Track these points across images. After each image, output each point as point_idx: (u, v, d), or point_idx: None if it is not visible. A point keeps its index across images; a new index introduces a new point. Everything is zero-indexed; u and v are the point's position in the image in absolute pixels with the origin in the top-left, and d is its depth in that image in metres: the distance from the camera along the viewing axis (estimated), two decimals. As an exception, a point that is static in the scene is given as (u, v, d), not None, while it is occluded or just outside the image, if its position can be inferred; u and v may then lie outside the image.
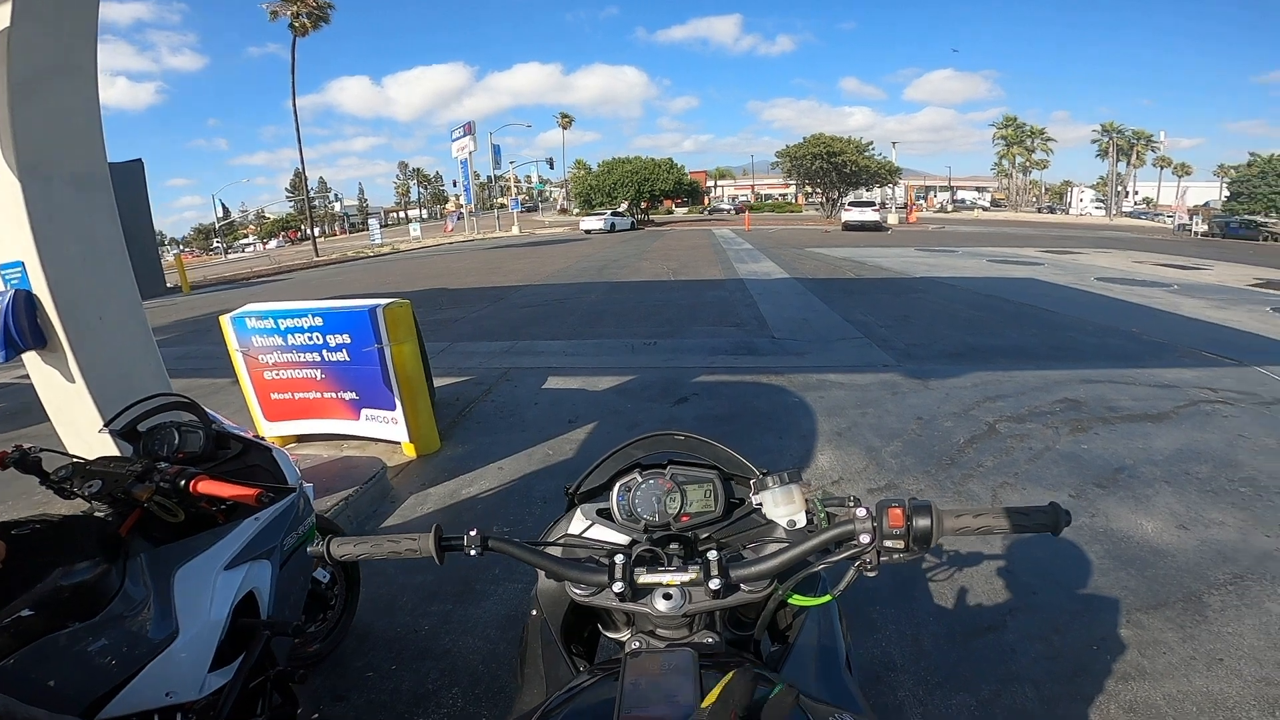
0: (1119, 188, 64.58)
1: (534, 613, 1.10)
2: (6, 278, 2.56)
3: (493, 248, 28.15)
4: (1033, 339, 7.18)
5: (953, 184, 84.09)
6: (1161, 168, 69.67)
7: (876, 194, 44.15)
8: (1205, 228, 34.69)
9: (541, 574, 1.10)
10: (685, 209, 62.08)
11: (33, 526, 1.41)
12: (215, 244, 57.35)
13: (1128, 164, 66.10)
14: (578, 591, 0.89)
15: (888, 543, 0.77)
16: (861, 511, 0.79)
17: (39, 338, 2.56)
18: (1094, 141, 66.83)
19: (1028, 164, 69.36)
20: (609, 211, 40.15)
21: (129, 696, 1.30)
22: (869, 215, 30.47)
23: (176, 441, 1.79)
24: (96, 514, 1.53)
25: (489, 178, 57.02)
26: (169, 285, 18.90)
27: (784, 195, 74.70)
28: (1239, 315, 8.70)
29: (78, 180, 2.56)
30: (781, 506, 0.99)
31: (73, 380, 2.60)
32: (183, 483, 1.49)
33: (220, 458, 1.81)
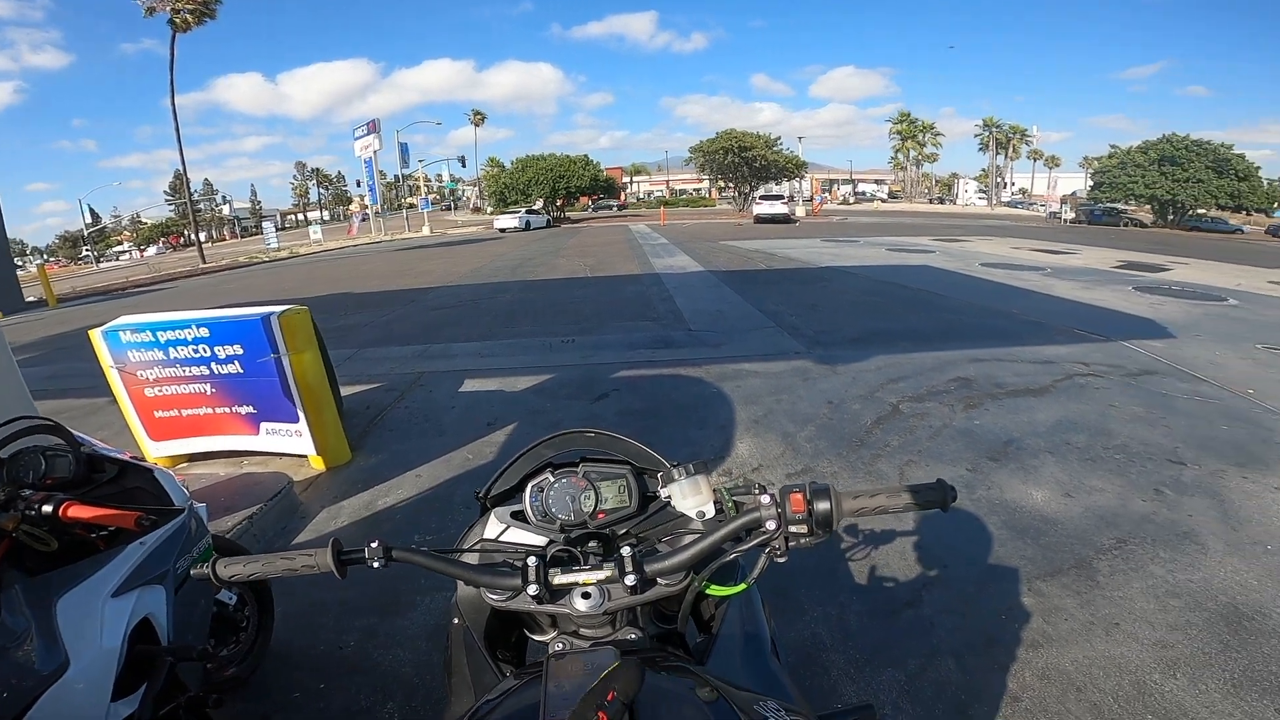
0: (998, 179, 70.40)
1: (455, 620, 1.08)
2: None
3: (402, 249, 27.03)
4: (927, 322, 7.69)
5: (854, 177, 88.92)
6: (1035, 160, 76.59)
7: (785, 187, 45.78)
8: (1073, 215, 38.48)
9: (459, 581, 1.08)
10: (607, 208, 62.01)
11: None
12: (85, 252, 51.89)
13: (1005, 157, 72.10)
14: (493, 597, 0.87)
15: (792, 528, 0.78)
16: (765, 498, 0.81)
17: None
18: (976, 135, 72.45)
19: (920, 157, 74.31)
20: (524, 209, 39.50)
21: None
22: (778, 208, 31.70)
23: (44, 467, 1.63)
24: None
25: (396, 177, 54.72)
26: (30, 299, 17.01)
27: (698, 190, 76.24)
28: (1105, 295, 9.70)
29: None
30: (690, 498, 0.99)
31: (-95, 408, 2.28)
32: (50, 509, 1.39)
33: (95, 481, 1.68)
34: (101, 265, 44.51)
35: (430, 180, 67.99)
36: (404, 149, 47.54)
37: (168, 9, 31.29)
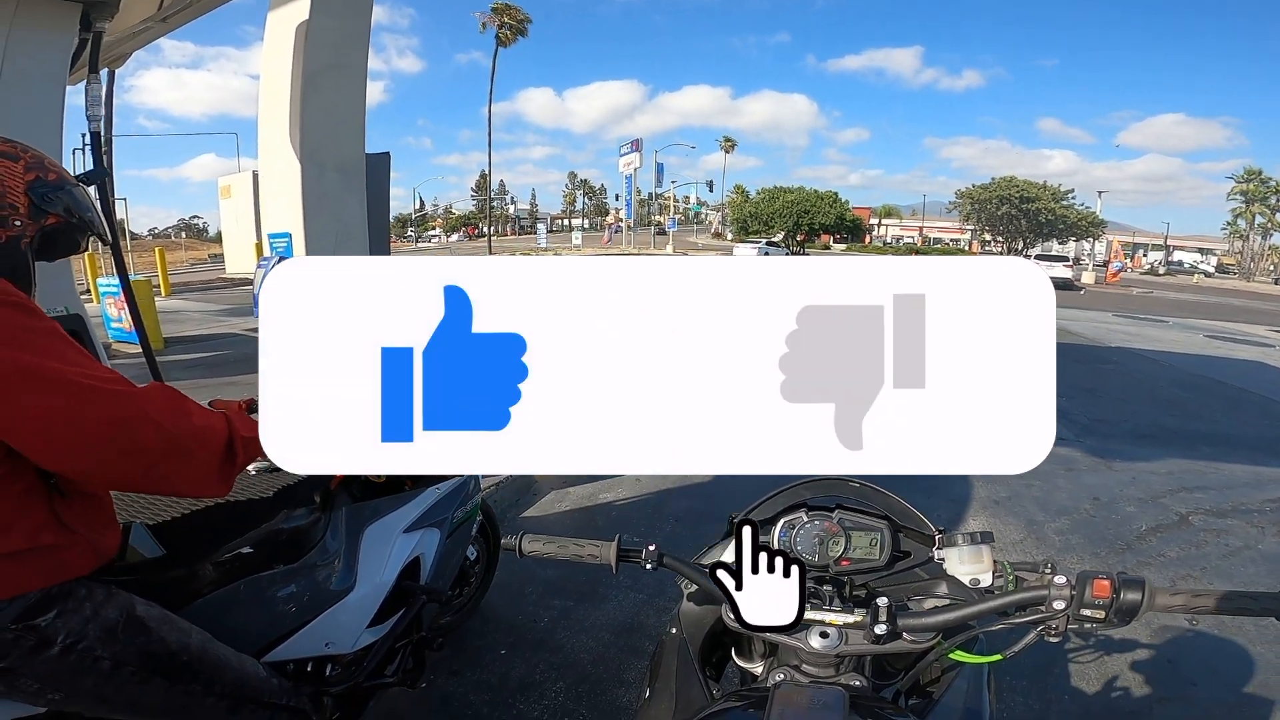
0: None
1: (674, 630, 1.13)
2: (275, 245, 3.08)
3: (647, 262, 29.05)
4: (1250, 429, 6.08)
5: (1169, 242, 73.00)
6: None
7: (1071, 247, 39.65)
8: None
9: (686, 595, 1.14)
10: (844, 245, 59.96)
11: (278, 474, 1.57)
12: (409, 232, 64.77)
13: None
14: (732, 615, 0.89)
15: (1086, 611, 0.76)
16: (1060, 579, 0.79)
17: (291, 300, 3.06)
18: (1359, 206, 54.85)
19: (1269, 225, 58.42)
20: (764, 240, 39.87)
21: (295, 643, 1.41)
22: (1058, 271, 27.31)
23: None
24: None
25: (650, 194, 59.14)
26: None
27: (955, 240, 69.51)
28: None
29: (342, 168, 3.00)
30: (968, 564, 1.00)
31: (309, 339, 3.06)
32: None
33: None
34: (418, 244, 55.13)
35: (678, 201, 72.14)
36: (659, 169, 51.24)
37: (496, 24, 38.13)
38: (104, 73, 2.49)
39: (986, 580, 0.99)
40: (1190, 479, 4.57)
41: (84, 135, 2.38)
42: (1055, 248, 37.16)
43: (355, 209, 3.05)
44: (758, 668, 1.02)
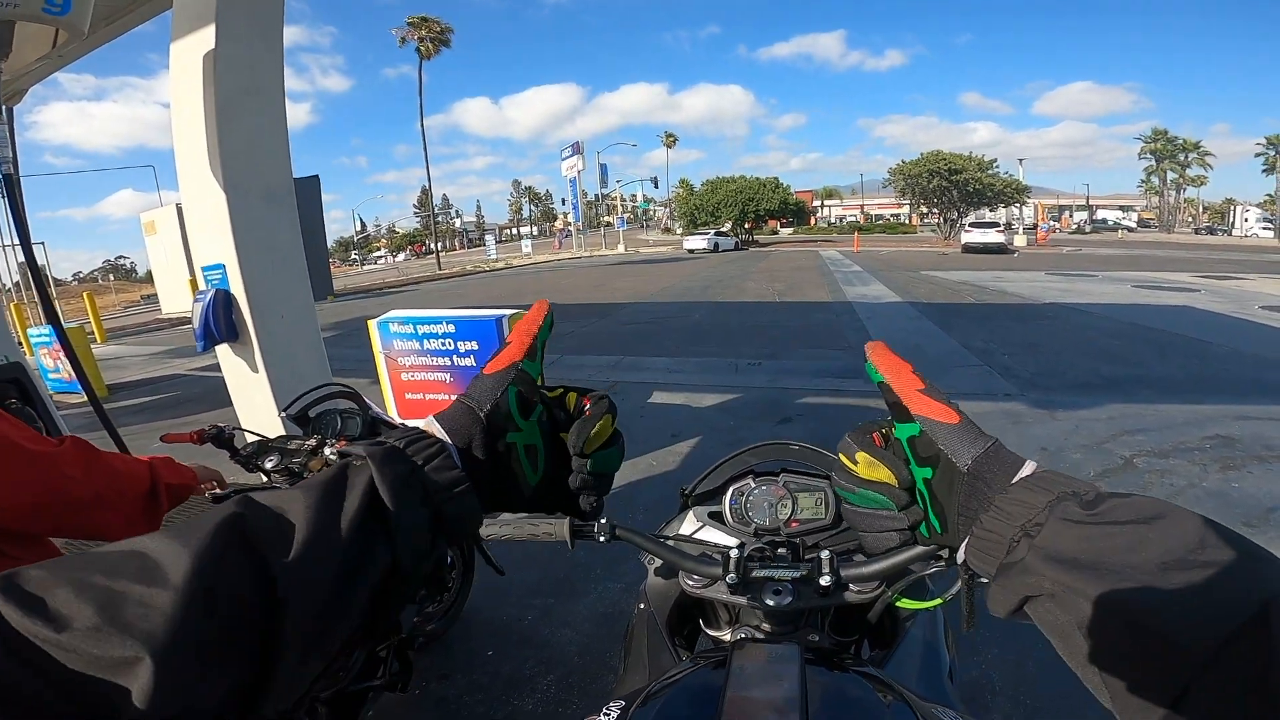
0: (1298, 207, 56.38)
1: (641, 606, 1.17)
2: (209, 278, 3.02)
3: (599, 265, 29.04)
4: (1181, 371, 6.45)
5: (1091, 203, 76.89)
6: (1352, 184, 60.02)
7: (1002, 214, 41.21)
8: None
9: (651, 570, 1.17)
10: (790, 229, 61.03)
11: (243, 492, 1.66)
12: (353, 256, 63.06)
13: (1308, 180, 57.54)
14: (690, 582, 0.94)
15: None
16: None
17: (232, 332, 3.00)
18: (1259, 155, 58.90)
19: (1181, 181, 62.17)
20: (713, 231, 40.27)
21: None
22: (992, 236, 28.43)
23: (339, 426, 2.03)
24: (275, 486, 1.77)
25: (596, 196, 59.07)
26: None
27: (896, 216, 71.59)
28: None
29: (268, 194, 2.97)
30: None
31: (256, 370, 3.01)
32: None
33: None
34: (364, 268, 53.78)
35: (625, 200, 72.25)
36: (603, 169, 51.21)
37: (414, 38, 37.45)
38: (2, 110, 2.39)
39: None
40: (1130, 422, 4.80)
41: (-9, 179, 2.29)
42: (987, 215, 38.51)
43: (288, 236, 3.00)
44: (725, 635, 1.06)
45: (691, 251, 35.94)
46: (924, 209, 49.18)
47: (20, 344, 8.86)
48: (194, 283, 3.21)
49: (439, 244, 42.42)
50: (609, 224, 56.42)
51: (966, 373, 6.60)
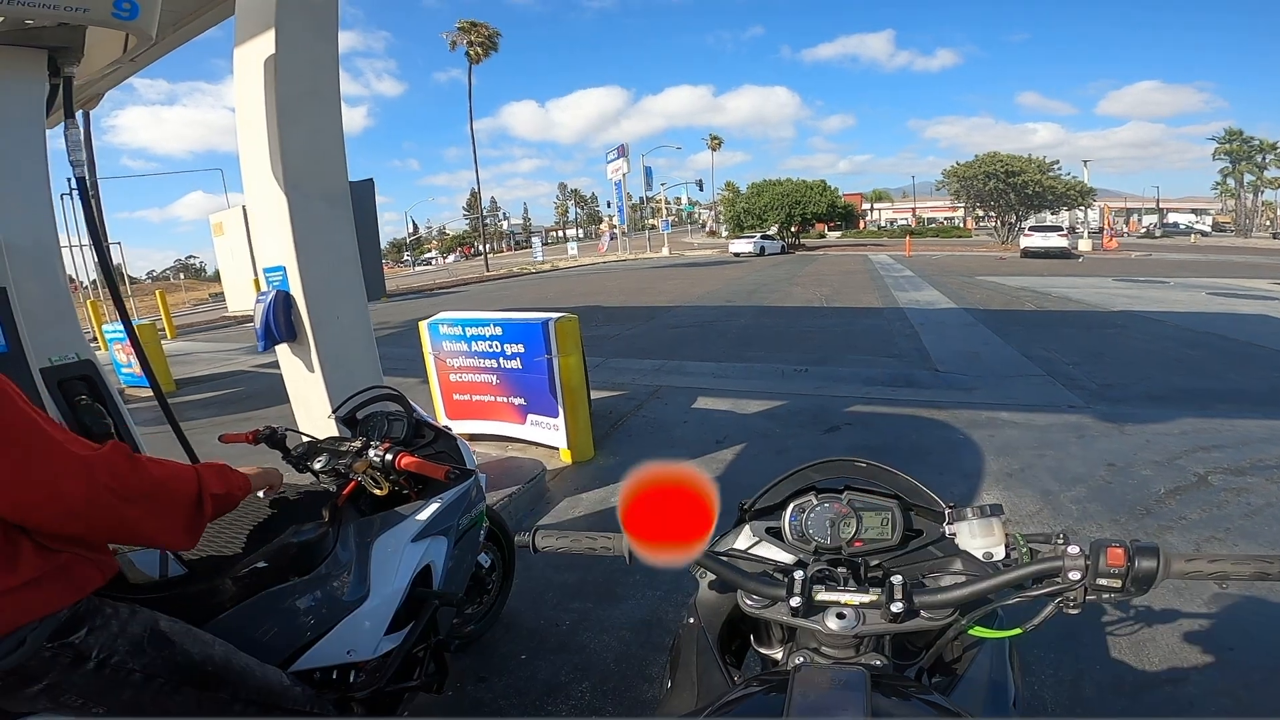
0: (1400, 211, 51.97)
1: (691, 620, 1.13)
2: (270, 279, 3.12)
3: (644, 268, 29.08)
4: (1261, 383, 6.02)
5: (1162, 205, 72.72)
6: None
7: (1064, 217, 39.37)
8: None
9: (703, 584, 1.14)
10: (839, 232, 59.84)
11: (298, 492, 1.69)
12: (405, 257, 64.92)
13: None
14: (749, 602, 0.90)
15: (1101, 581, 0.76)
16: (1074, 549, 0.79)
17: (291, 332, 3.08)
18: (1354, 156, 54.41)
19: (1259, 183, 58.10)
20: (758, 234, 39.80)
21: (319, 651, 1.48)
22: (1054, 240, 27.11)
23: (385, 428, 2.05)
24: (323, 485, 1.77)
25: (641, 199, 59.23)
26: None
27: (949, 219, 69.29)
28: None
29: (327, 196, 3.04)
30: (979, 538, 0.98)
31: (312, 370, 3.09)
32: (390, 457, 1.67)
33: (417, 444, 2.03)
34: (416, 269, 55.24)
35: (669, 203, 72.22)
36: (648, 172, 51.31)
37: (464, 42, 38.24)
38: (79, 115, 2.52)
39: (999, 553, 0.98)
40: (1206, 438, 4.52)
41: (69, 180, 2.42)
42: (1048, 218, 36.80)
43: (345, 237, 3.07)
44: (777, 653, 1.02)
45: (737, 255, 35.59)
46: (979, 212, 47.45)
47: (95, 339, 9.50)
48: (258, 283, 3.31)
49: (486, 245, 43.25)
50: (653, 227, 56.45)
51: (1027, 383, 6.31)
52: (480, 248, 47.96)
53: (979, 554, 0.98)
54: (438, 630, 1.85)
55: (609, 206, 53.59)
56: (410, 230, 59.20)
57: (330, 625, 1.50)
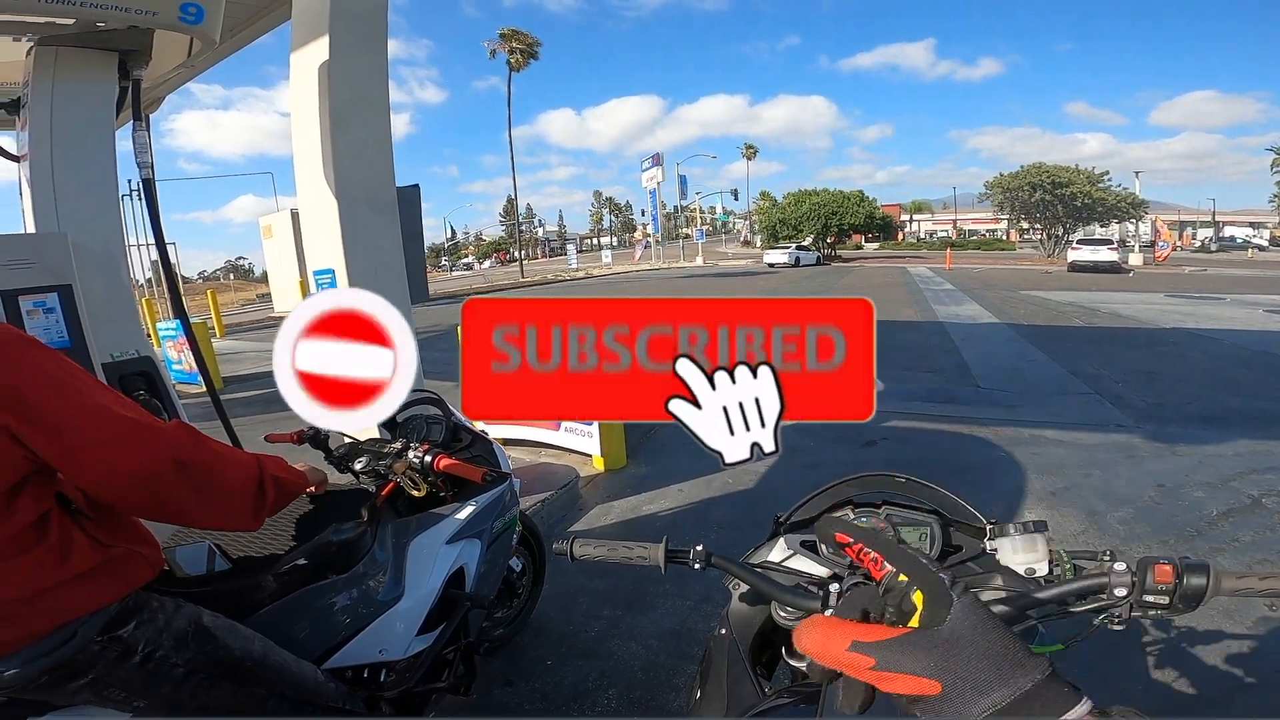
0: None
1: (723, 631, 1.13)
2: (319, 282, 3.21)
3: (677, 277, 29.12)
4: (1325, 407, 5.71)
5: (1218, 218, 69.72)
6: None
7: (1115, 230, 38.09)
8: None
9: (735, 595, 1.14)
10: (876, 244, 58.97)
11: (338, 492, 1.72)
12: (443, 261, 66.23)
13: None
14: (783, 614, 0.90)
15: (1148, 598, 0.75)
16: (1120, 566, 0.78)
17: (337, 334, 3.17)
18: None
19: (1319, 196, 55.03)
20: (794, 245, 39.50)
21: (352, 649, 1.50)
22: (1103, 254, 26.16)
23: (424, 431, 2.08)
24: (363, 485, 1.81)
25: (675, 208, 59.33)
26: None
27: (992, 231, 67.62)
28: None
29: (374, 202, 3.13)
30: (1022, 554, 0.98)
31: (355, 370, 3.16)
32: (429, 459, 1.68)
33: (454, 447, 2.04)
34: (453, 273, 56.29)
35: (704, 212, 72.20)
36: (683, 181, 51.46)
37: (505, 50, 38.95)
38: (143, 117, 2.64)
39: (1043, 570, 0.97)
40: (1261, 460, 4.35)
41: (130, 181, 2.54)
42: (1098, 231, 35.66)
43: (391, 242, 3.15)
44: (805, 665, 1.02)
45: (771, 265, 35.35)
46: (1024, 224, 46.23)
47: (149, 337, 9.89)
48: (304, 284, 3.40)
49: (521, 252, 43.90)
50: (687, 236, 56.46)
51: (1073, 400, 6.10)
52: (515, 254, 48.69)
53: (1021, 570, 0.97)
54: (468, 632, 1.87)
55: (643, 215, 53.95)
56: (448, 235, 60.51)
57: (365, 624, 1.52)
